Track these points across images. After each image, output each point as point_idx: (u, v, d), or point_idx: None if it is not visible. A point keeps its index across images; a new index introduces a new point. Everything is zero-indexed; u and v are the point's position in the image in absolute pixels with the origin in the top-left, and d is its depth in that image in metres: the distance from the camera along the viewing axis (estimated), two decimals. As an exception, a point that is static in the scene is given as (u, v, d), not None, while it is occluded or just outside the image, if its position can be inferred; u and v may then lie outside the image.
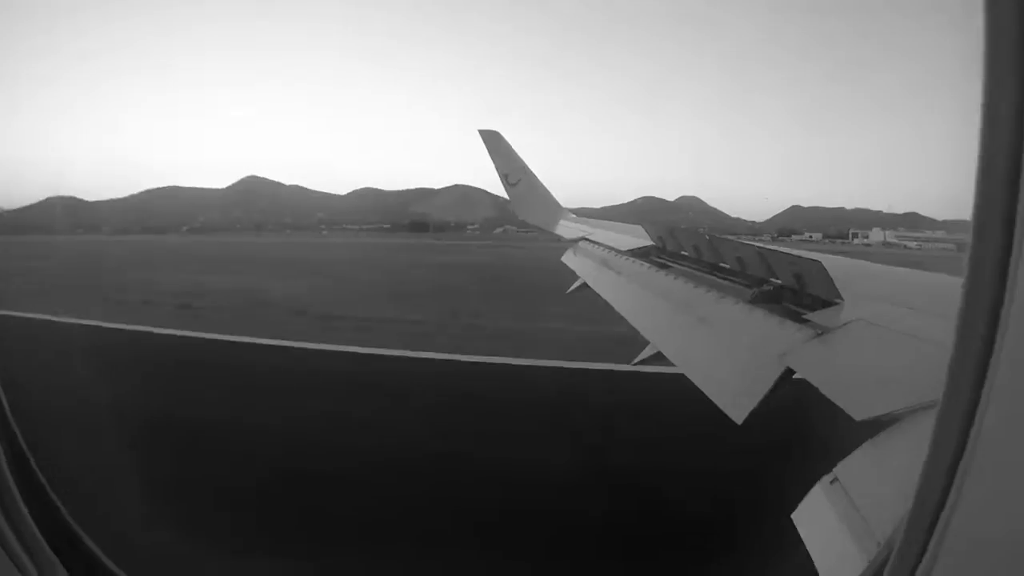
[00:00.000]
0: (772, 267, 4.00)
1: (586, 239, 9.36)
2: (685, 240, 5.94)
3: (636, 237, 7.74)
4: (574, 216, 12.72)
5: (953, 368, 1.13)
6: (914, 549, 1.18)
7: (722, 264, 4.96)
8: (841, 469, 2.08)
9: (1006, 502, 1.06)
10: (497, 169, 12.82)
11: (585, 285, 7.86)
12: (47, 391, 9.13)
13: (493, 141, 12.89)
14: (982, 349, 1.07)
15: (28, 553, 1.51)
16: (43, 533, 1.57)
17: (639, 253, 6.91)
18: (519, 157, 12.98)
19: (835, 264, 3.94)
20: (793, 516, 2.08)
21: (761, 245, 4.95)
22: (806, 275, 3.57)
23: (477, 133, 12.93)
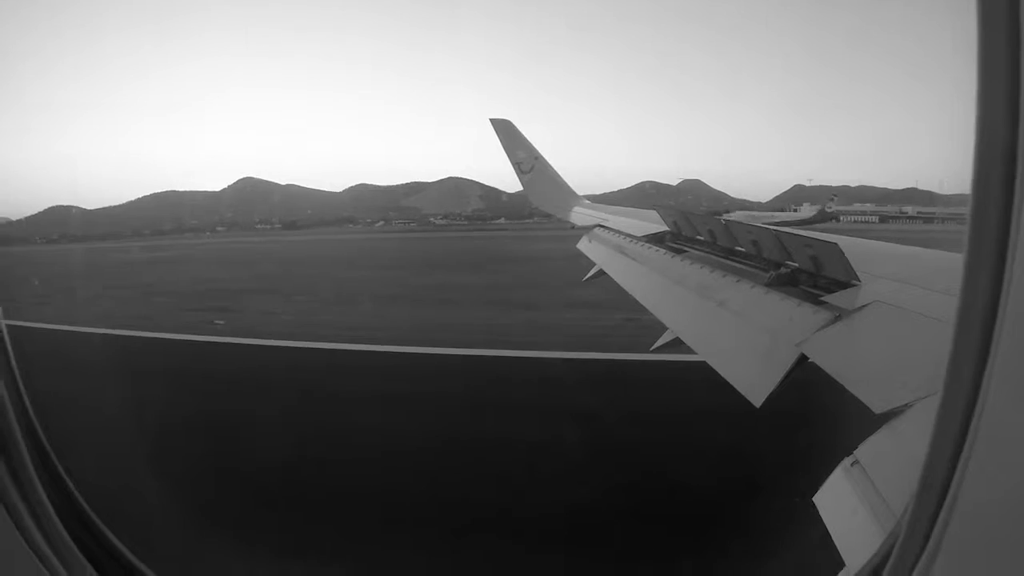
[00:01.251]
0: (788, 250, 3.96)
1: (601, 226, 9.31)
2: (700, 225, 5.90)
3: (651, 223, 7.69)
4: (588, 203, 12.62)
5: (955, 351, 1.14)
6: (920, 532, 1.19)
7: (737, 248, 4.92)
8: (862, 452, 2.08)
9: (1009, 485, 1.07)
10: (509, 157, 12.76)
11: (602, 272, 7.85)
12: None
13: (505, 129, 12.82)
14: (982, 331, 1.07)
15: (57, 555, 1.55)
16: (70, 533, 1.62)
17: (654, 239, 6.87)
18: (531, 145, 12.90)
19: (852, 245, 3.90)
20: (815, 498, 2.10)
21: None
22: (822, 257, 3.54)
23: (488, 122, 12.87)
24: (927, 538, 1.17)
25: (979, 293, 1.08)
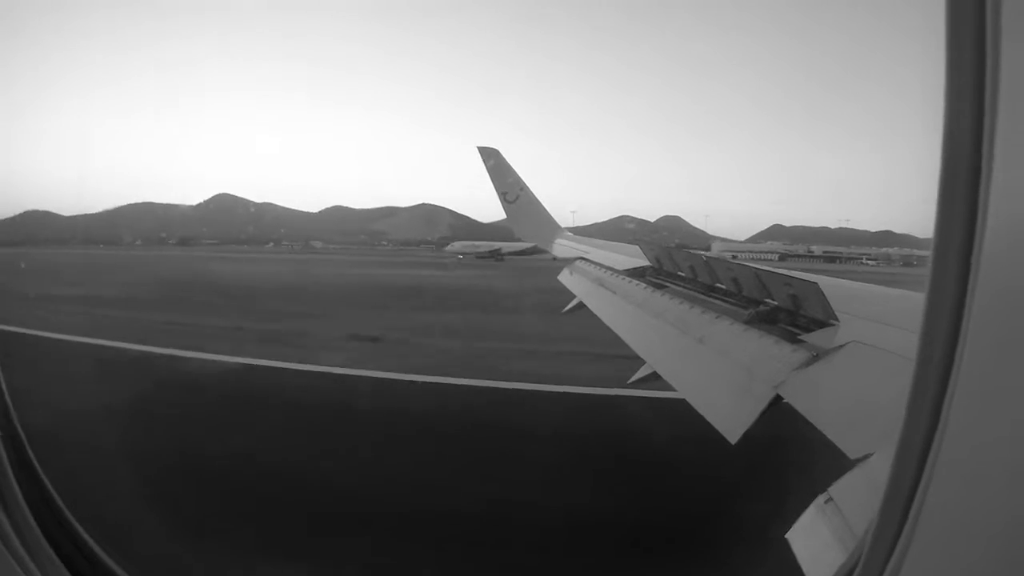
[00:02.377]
0: (768, 288, 4.02)
1: (583, 258, 9.40)
2: (681, 261, 5.98)
3: (632, 257, 7.78)
4: (571, 235, 12.77)
5: (916, 378, 1.17)
6: (885, 546, 1.20)
7: (718, 285, 4.99)
8: (836, 489, 2.08)
9: (973, 498, 1.08)
10: (494, 186, 12.89)
11: (581, 304, 7.87)
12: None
13: (492, 157, 12.99)
14: (944, 358, 1.10)
15: (33, 559, 1.48)
16: (47, 538, 1.55)
17: (635, 273, 6.93)
18: (517, 175, 13.07)
19: (832, 285, 3.97)
20: (788, 535, 2.07)
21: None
22: (802, 296, 3.59)
23: (475, 150, 13.07)
24: (891, 551, 1.17)
25: (941, 321, 1.11)
